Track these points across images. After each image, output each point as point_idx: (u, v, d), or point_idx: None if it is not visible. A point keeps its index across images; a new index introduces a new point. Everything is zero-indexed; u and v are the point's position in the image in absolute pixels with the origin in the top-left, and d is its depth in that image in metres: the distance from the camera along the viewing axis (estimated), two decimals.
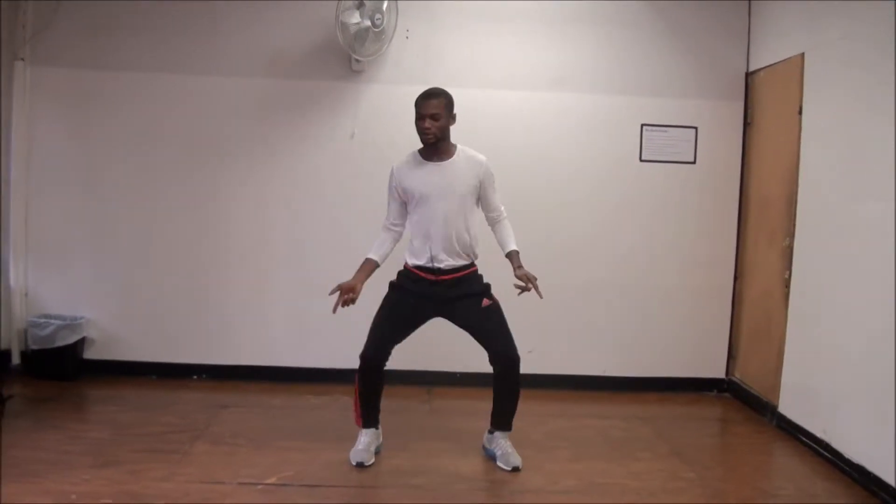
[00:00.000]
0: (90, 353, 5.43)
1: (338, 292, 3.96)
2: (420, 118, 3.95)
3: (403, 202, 4.11)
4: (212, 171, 5.42)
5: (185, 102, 5.37)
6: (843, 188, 4.37)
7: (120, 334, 5.46)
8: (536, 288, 3.95)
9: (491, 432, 4.20)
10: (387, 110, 5.38)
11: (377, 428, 4.19)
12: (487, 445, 4.21)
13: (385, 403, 4.98)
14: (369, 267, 4.13)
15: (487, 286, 4.14)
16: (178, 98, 5.37)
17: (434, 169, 4.03)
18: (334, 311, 3.94)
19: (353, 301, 3.98)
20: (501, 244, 4.15)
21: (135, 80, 5.32)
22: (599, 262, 5.53)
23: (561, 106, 5.45)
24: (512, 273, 4.02)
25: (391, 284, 4.16)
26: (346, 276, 5.35)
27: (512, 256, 4.10)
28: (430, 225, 4.01)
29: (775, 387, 4.93)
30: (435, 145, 4.01)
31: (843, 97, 4.38)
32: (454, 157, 4.06)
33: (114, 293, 5.45)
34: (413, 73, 5.36)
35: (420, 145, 4.07)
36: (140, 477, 3.74)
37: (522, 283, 3.96)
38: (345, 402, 4.99)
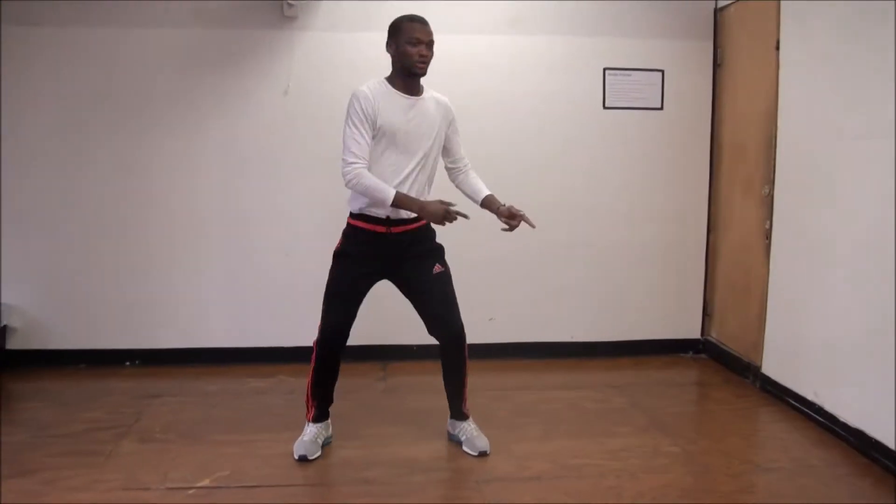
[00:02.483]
0: (12, 343, 4.89)
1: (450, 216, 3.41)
2: (416, 43, 3.43)
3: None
4: (135, 135, 4.87)
5: (103, 59, 4.79)
6: (827, 127, 3.97)
7: (45, 321, 4.93)
8: (527, 219, 3.51)
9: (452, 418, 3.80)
10: (324, 61, 4.89)
11: (327, 419, 3.75)
12: (451, 430, 3.79)
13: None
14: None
15: (441, 249, 3.69)
16: (94, 54, 4.78)
17: (412, 104, 3.50)
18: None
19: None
20: (475, 192, 3.67)
21: (45, 36, 4.73)
22: (562, 219, 5.10)
23: (516, 50, 4.98)
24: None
25: (335, 254, 3.64)
26: (287, 243, 4.98)
27: (492, 199, 3.61)
28: (402, 169, 3.47)
29: (757, 345, 4.57)
30: (417, 77, 3.51)
31: (826, 28, 3.97)
32: (424, 94, 3.57)
33: (36, 276, 4.91)
34: (353, 19, 4.86)
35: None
36: (55, 487, 3.26)
37: (513, 222, 3.51)
38: (289, 385, 4.61)
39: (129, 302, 4.97)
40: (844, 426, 3.76)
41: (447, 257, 3.70)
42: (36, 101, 4.78)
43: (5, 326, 4.85)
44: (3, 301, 4.85)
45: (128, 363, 4.98)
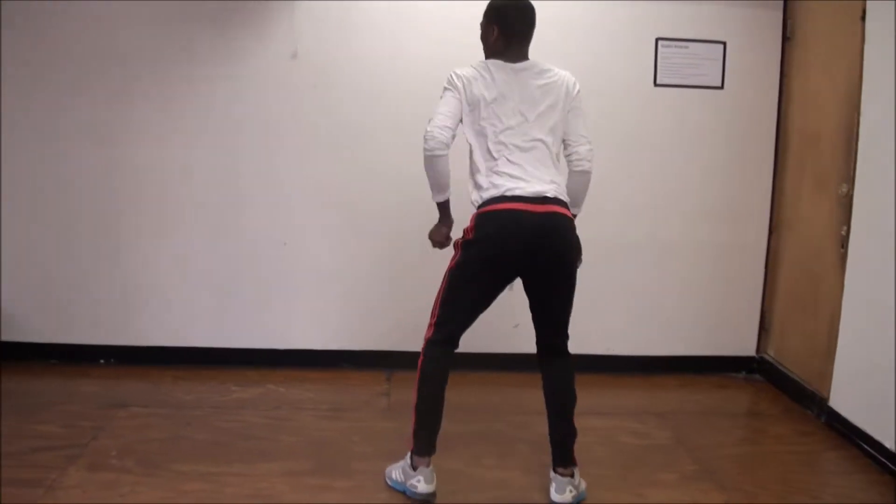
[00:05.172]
0: None
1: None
2: None
3: None
4: (119, 105, 4.23)
5: (81, 23, 4.15)
6: None
7: (14, 311, 4.34)
8: None
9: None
10: (335, 25, 4.23)
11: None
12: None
13: (325, 396, 3.94)
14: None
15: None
16: (72, 18, 4.14)
17: None
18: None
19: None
20: None
21: None
22: (602, 215, 4.38)
23: (556, 17, 4.20)
24: None
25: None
26: (286, 231, 4.36)
27: None
28: None
29: (825, 374, 3.88)
30: None
31: None
32: None
33: (5, 262, 4.31)
34: None
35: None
36: None
37: None
38: (278, 397, 3.99)
39: (108, 293, 4.37)
40: None
41: None
42: (3, 69, 4.16)
43: None
44: None
45: (102, 361, 4.40)
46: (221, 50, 4.24)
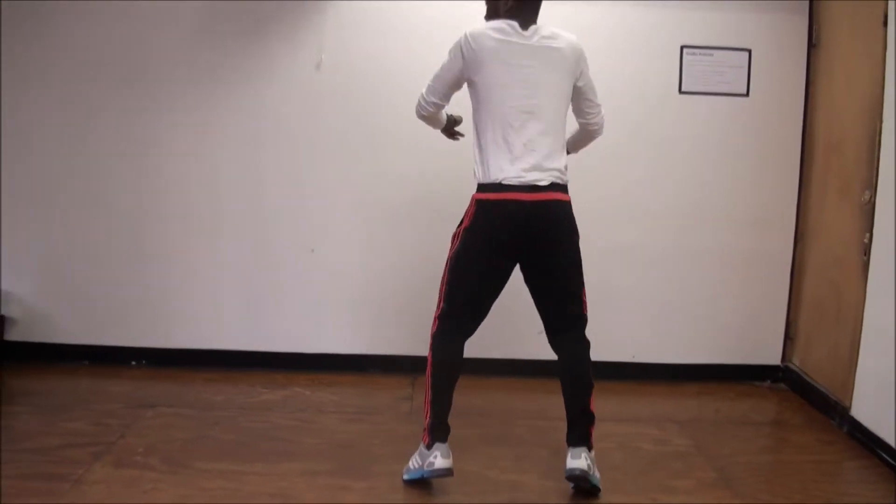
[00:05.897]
0: (11, 335, 4.45)
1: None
2: None
3: None
4: (146, 113, 4.35)
5: (116, 28, 4.28)
6: None
7: (47, 312, 4.47)
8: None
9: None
10: (360, 31, 4.30)
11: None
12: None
13: (349, 399, 4.00)
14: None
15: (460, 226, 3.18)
16: (107, 23, 4.27)
17: None
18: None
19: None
20: None
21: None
22: (627, 221, 4.43)
23: (580, 23, 4.22)
24: None
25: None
26: (314, 237, 4.43)
27: None
28: None
29: (847, 383, 3.85)
30: None
31: None
32: None
33: (38, 263, 4.45)
34: None
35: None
36: None
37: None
38: (304, 399, 4.05)
39: (140, 297, 4.48)
40: None
41: None
42: (35, 75, 4.30)
43: (3, 316, 4.41)
44: (2, 289, 4.41)
45: (133, 363, 4.50)
46: (247, 58, 4.33)
